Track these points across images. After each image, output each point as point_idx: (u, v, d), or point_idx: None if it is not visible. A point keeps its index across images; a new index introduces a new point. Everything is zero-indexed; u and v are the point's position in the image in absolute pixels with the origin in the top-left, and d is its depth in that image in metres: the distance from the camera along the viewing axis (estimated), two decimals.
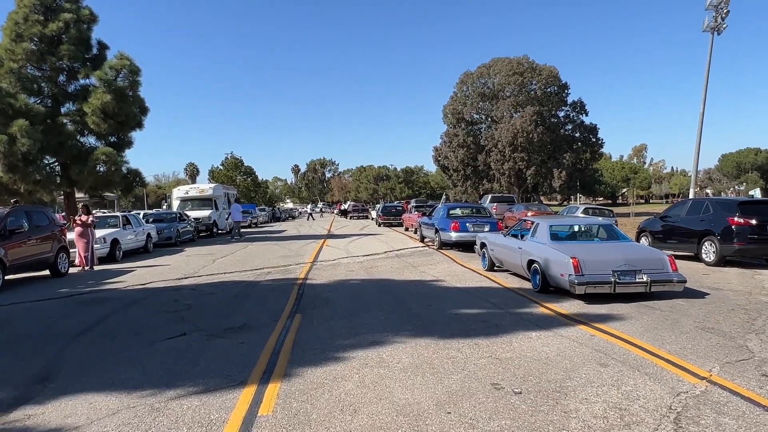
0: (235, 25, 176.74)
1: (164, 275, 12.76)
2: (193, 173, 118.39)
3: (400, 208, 34.97)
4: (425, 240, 20.18)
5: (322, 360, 5.56)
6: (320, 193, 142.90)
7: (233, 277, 12.06)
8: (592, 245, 9.16)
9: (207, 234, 27.70)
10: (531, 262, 9.38)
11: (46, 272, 13.09)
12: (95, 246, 14.95)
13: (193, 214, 27.01)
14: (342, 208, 63.42)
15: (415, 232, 24.30)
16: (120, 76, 22.35)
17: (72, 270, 14.03)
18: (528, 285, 9.69)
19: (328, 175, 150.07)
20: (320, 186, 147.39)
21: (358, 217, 51.78)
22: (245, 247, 20.56)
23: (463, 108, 53.91)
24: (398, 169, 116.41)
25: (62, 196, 23.64)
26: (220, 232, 29.01)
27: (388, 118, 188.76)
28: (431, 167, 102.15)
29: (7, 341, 6.82)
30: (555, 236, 9.50)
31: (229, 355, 5.82)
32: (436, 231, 17.49)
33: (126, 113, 22.32)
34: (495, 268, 11.83)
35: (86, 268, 14.16)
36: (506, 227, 16.20)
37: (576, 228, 10.30)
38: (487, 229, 16.08)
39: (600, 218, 15.96)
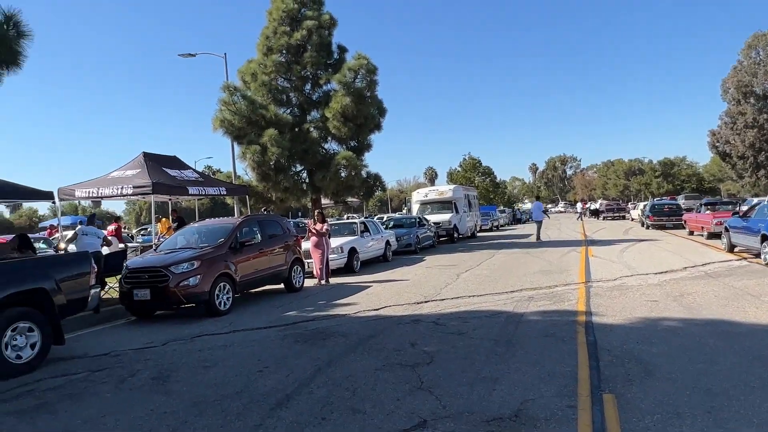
0: (466, 22, 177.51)
1: (401, 295, 10.51)
2: (431, 177, 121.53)
3: (675, 207, 28.33)
4: (736, 250, 14.67)
5: None
6: (560, 192, 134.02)
7: (485, 304, 9.14)
8: None
9: (447, 239, 25.68)
10: None
11: (281, 285, 11.96)
12: (331, 257, 13.61)
13: (433, 218, 25.23)
14: (588, 206, 56.70)
15: (709, 237, 18.60)
16: (358, 77, 21.54)
17: (308, 282, 12.79)
18: None
19: (569, 172, 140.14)
20: (560, 184, 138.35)
21: (613, 218, 45.08)
22: (491, 256, 17.66)
23: (752, 79, 42.97)
24: (654, 162, 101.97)
25: (309, 203, 24.08)
26: (460, 237, 26.77)
27: (638, 105, 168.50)
28: (697, 157, 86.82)
29: (189, 402, 4.91)
30: None
31: None
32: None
33: (364, 115, 21.43)
34: None
35: (322, 282, 12.81)
36: None
37: None
38: None
39: None
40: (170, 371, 6.09)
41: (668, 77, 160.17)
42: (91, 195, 15.00)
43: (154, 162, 15.96)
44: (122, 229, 16.38)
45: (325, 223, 12.98)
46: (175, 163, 16.89)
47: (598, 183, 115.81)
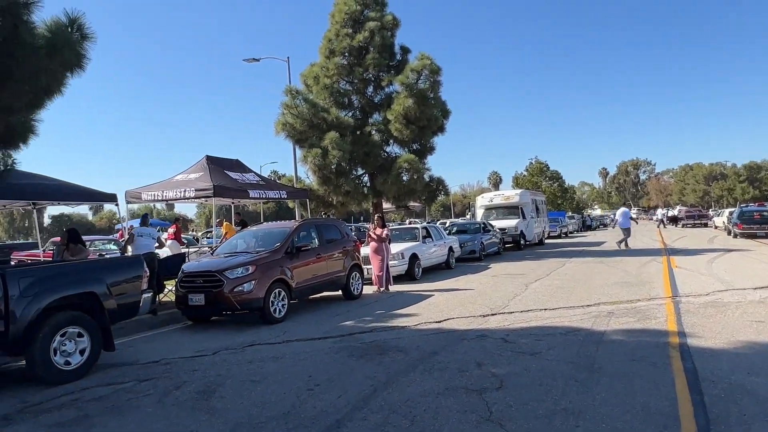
0: (535, 21, 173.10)
1: (466, 306, 9.79)
2: (496, 181, 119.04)
3: (767, 214, 25.89)
4: None
5: None
6: (633, 198, 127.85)
7: (559, 319, 8.28)
8: None
9: (513, 246, 24.58)
10: None
11: (339, 292, 11.49)
12: (391, 263, 13.05)
13: (498, 223, 24.22)
14: (666, 213, 53.35)
15: None
16: (421, 78, 20.96)
17: (366, 289, 12.28)
18: None
19: (642, 177, 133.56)
20: (633, 189, 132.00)
21: (693, 225, 42.15)
22: (562, 265, 16.55)
23: None
24: (738, 166, 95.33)
25: (371, 207, 23.71)
26: (527, 243, 25.58)
27: (721, 105, 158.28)
28: None
29: (232, 423, 4.44)
30: None
31: None
32: None
33: (427, 117, 20.82)
34: None
35: (381, 289, 12.27)
36: None
37: None
38: None
39: None
40: (216, 385, 5.69)
41: (754, 76, 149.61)
42: (156, 198, 15.17)
43: (217, 165, 15.99)
44: (183, 232, 16.51)
45: (385, 228, 12.45)
46: (238, 166, 16.89)
47: (674, 188, 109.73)
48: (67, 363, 6.11)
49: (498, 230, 23.12)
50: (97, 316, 6.46)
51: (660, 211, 50.17)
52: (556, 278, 13.28)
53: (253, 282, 8.71)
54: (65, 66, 9.20)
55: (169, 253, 12.92)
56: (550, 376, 5.39)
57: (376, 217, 12.81)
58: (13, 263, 16.02)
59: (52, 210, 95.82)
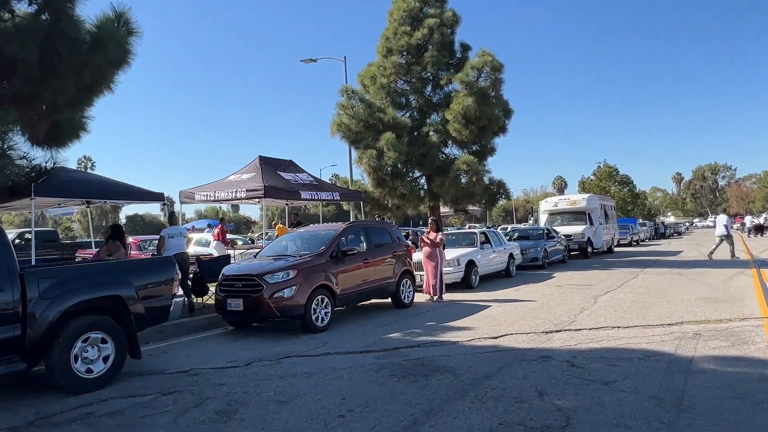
0: (603, 20, 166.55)
1: (526, 320, 8.84)
2: (560, 186, 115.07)
3: None
4: None
5: None
6: (711, 205, 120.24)
7: (635, 340, 7.21)
8: None
9: (578, 254, 23.09)
10: None
11: (388, 300, 10.77)
12: (446, 270, 12.22)
13: (563, 229, 22.81)
14: (750, 221, 49.31)
15: None
16: (482, 75, 19.99)
17: (418, 298, 11.50)
18: None
19: (721, 182, 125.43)
20: (710, 196, 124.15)
21: None
22: (634, 276, 15.14)
23: None
24: None
25: (427, 211, 22.91)
26: (594, 251, 23.99)
27: None
28: None
29: None
30: None
31: None
32: None
33: (488, 116, 19.83)
34: None
35: (434, 298, 11.46)
36: None
37: None
38: None
39: None
40: (240, 404, 5.10)
41: None
42: (208, 198, 15.05)
43: (269, 166, 15.71)
44: (243, 233, 16.31)
45: (440, 233, 11.62)
46: (291, 166, 16.56)
47: (758, 195, 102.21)
48: (89, 371, 5.70)
49: (563, 237, 21.73)
50: (123, 321, 6.04)
51: (749, 219, 46.36)
52: (629, 291, 12.02)
53: (294, 287, 8.14)
54: (110, 62, 9.01)
55: (215, 255, 12.63)
56: (628, 415, 4.44)
57: (430, 221, 12.02)
58: (77, 260, 16.44)
59: (128, 210, 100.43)
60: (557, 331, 7.91)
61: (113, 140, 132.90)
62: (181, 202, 15.70)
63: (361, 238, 9.99)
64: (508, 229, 42.69)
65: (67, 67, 8.30)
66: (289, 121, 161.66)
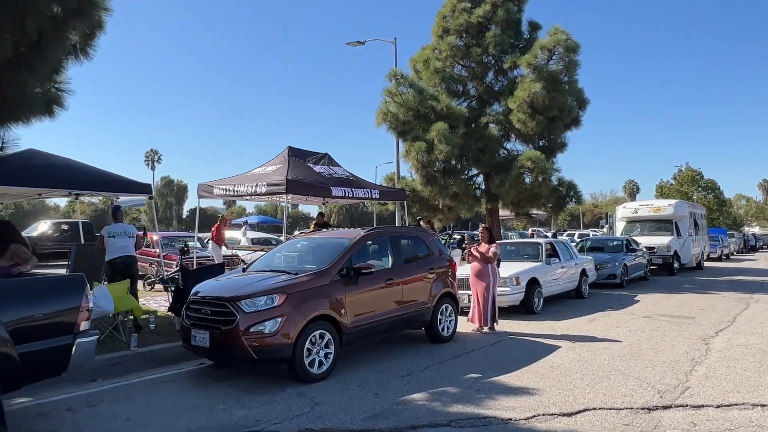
0: (684, 15, 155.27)
1: (613, 380, 6.11)
2: (632, 191, 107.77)
3: None
4: None
5: None
6: None
7: None
8: None
9: (660, 269, 19.57)
10: None
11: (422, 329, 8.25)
12: (501, 290, 9.60)
13: (645, 240, 19.42)
14: None
15: None
16: (553, 57, 17.08)
17: (462, 325, 8.93)
18: None
19: None
20: None
21: None
22: (745, 305, 11.88)
23: None
24: None
25: (485, 213, 20.16)
26: (682, 267, 20.42)
27: None
28: None
29: None
30: None
31: None
32: None
33: (558, 105, 16.86)
34: None
35: (483, 329, 8.86)
36: None
37: None
38: None
39: None
40: None
41: None
42: (227, 192, 13.06)
43: (298, 158, 13.54)
44: (224, 231, 14.17)
45: (493, 245, 8.98)
46: (324, 159, 14.32)
47: None
48: None
49: (644, 249, 18.41)
50: None
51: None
52: (749, 330, 8.94)
53: (280, 319, 5.80)
54: (68, 10, 7.07)
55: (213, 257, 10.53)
56: None
57: (480, 229, 9.37)
58: None
59: (191, 203, 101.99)
60: (666, 408, 5.16)
61: (177, 134, 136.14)
62: (199, 197, 13.78)
63: (386, 249, 7.53)
64: (575, 236, 38.93)
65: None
66: (338, 114, 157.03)
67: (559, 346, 7.83)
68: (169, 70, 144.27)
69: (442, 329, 8.07)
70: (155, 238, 16.74)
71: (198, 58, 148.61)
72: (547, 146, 18.15)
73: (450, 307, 8.27)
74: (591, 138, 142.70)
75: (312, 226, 15.90)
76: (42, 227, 22.33)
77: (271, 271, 6.79)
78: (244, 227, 20.93)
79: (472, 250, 8.99)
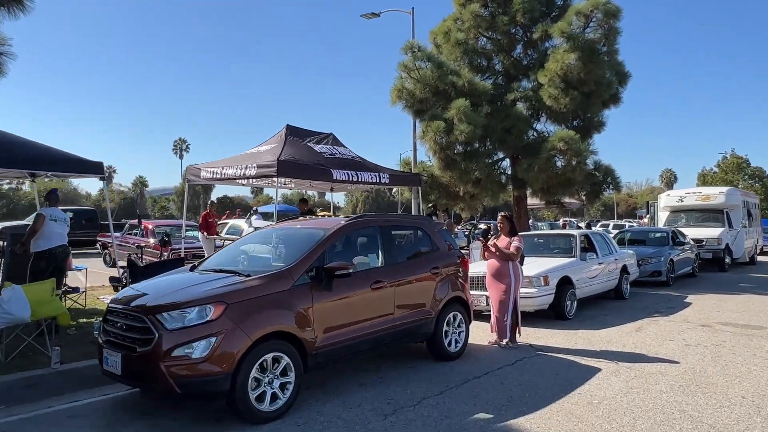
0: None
1: (676, 424, 4.38)
2: (669, 180, 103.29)
3: None
4: None
5: None
6: None
7: None
8: None
9: (710, 263, 17.38)
10: None
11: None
12: (525, 292, 7.89)
13: (692, 232, 17.28)
14: None
15: None
16: (590, 24, 15.06)
17: (475, 337, 7.27)
18: None
19: None
20: None
21: None
22: None
23: None
24: None
25: (512, 201, 18.31)
26: (733, 261, 18.21)
27: None
28: None
29: None
30: None
31: None
32: None
33: (595, 79, 14.88)
34: None
35: (503, 342, 7.15)
36: None
37: None
38: None
39: None
40: None
41: None
42: (215, 176, 11.58)
43: (297, 137, 11.97)
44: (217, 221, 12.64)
45: (515, 238, 7.24)
46: (328, 139, 12.71)
47: None
48: None
49: (692, 241, 16.32)
50: None
51: None
52: None
53: (215, 339, 4.24)
54: None
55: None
56: None
57: (500, 218, 7.60)
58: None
59: (218, 191, 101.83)
60: None
61: (205, 122, 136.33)
62: (187, 181, 12.42)
63: (375, 243, 5.89)
64: (610, 227, 36.28)
65: None
66: (359, 96, 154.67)
67: (599, 369, 6.09)
68: (193, 60, 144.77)
69: (449, 344, 6.41)
70: (150, 227, 15.51)
71: (216, 44, 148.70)
72: (581, 126, 16.18)
73: (459, 316, 6.59)
74: (623, 123, 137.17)
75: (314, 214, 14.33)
76: None
77: (221, 271, 5.22)
78: (249, 215, 19.49)
79: (488, 243, 7.26)
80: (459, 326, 6.60)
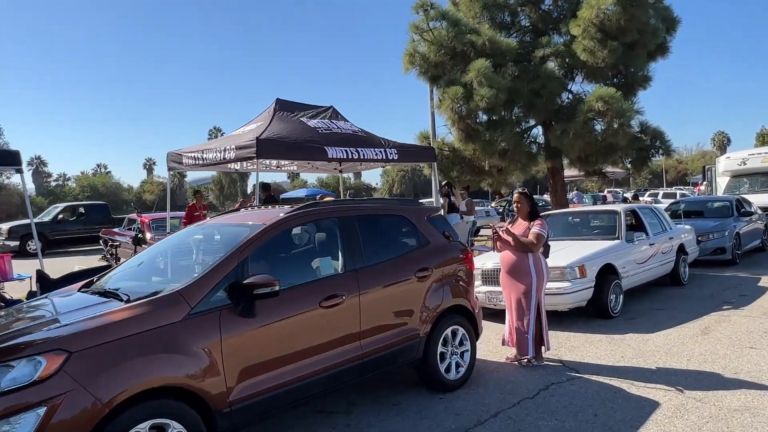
0: None
1: None
2: (722, 143, 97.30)
3: None
4: None
5: None
6: None
7: None
8: None
9: None
10: None
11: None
12: (555, 287, 6.14)
13: (758, 200, 14.93)
14: None
15: None
16: None
17: (485, 351, 5.61)
18: None
19: None
20: None
21: None
22: None
23: None
24: None
25: (548, 173, 16.31)
26: None
27: None
28: None
29: None
30: None
31: None
32: None
33: (639, 27, 12.66)
34: None
35: (524, 360, 5.45)
36: None
37: None
38: None
39: None
40: None
41: None
42: (195, 162, 10.17)
43: (287, 111, 10.41)
44: (205, 214, 11.18)
45: (536, 222, 5.47)
46: (327, 113, 11.11)
47: None
48: None
49: (760, 210, 14.01)
50: None
51: None
52: None
53: (43, 409, 2.73)
54: None
55: None
56: None
57: (516, 196, 5.78)
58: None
59: (254, 177, 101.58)
60: None
61: (237, 107, 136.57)
62: (169, 168, 11.03)
63: (334, 242, 4.26)
64: (659, 197, 32.89)
65: None
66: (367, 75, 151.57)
67: (657, 404, 4.33)
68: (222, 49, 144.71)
69: (447, 369, 4.76)
70: (147, 221, 14.33)
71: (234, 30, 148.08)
72: (623, 83, 14.00)
73: (461, 332, 4.93)
74: (669, 80, 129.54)
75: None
76: (56, 212, 20.62)
77: (106, 293, 3.71)
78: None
79: (499, 228, 5.52)
80: (461, 344, 4.94)
